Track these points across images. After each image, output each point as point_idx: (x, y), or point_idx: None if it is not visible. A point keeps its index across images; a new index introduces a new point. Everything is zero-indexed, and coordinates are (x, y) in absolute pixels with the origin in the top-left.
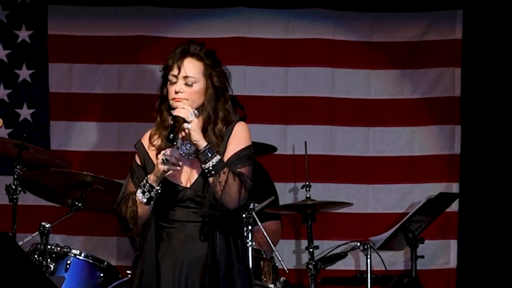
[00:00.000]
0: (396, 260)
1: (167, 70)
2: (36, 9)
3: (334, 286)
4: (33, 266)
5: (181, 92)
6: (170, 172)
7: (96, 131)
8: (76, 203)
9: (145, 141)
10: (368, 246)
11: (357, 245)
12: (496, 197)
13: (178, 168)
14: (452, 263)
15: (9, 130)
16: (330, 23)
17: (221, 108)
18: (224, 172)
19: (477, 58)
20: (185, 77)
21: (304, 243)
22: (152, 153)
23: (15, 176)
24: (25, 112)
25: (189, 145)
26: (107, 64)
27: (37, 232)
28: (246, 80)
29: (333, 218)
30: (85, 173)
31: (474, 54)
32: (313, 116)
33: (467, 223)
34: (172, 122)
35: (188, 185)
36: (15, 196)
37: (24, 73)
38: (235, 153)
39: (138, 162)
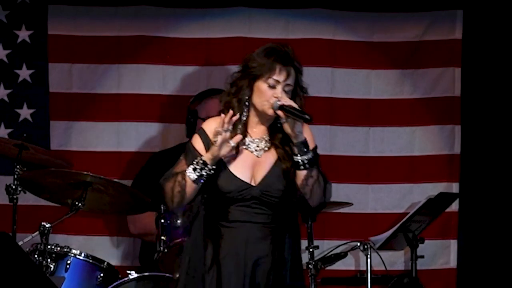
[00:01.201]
0: (396, 260)
1: (264, 71)
2: (36, 9)
3: (334, 286)
4: (33, 266)
5: (280, 99)
6: (226, 153)
7: (96, 131)
8: (76, 203)
9: (209, 130)
10: (368, 246)
11: (357, 245)
12: (496, 197)
13: (231, 144)
14: (452, 263)
15: (9, 130)
16: (330, 23)
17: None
18: (315, 168)
19: (477, 58)
20: (287, 85)
21: (304, 243)
22: None
23: (15, 176)
24: (25, 112)
25: (259, 141)
26: (107, 64)
27: (37, 232)
28: None
29: (333, 218)
30: (85, 173)
31: (474, 54)
32: (313, 116)
33: (467, 223)
34: (283, 112)
35: (253, 184)
36: (15, 196)
37: (24, 73)
38: None
39: (198, 147)
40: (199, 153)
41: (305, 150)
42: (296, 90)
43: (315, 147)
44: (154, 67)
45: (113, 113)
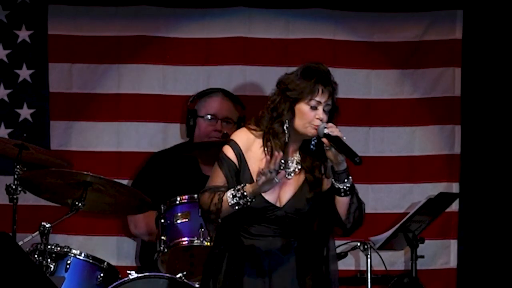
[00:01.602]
0: (396, 260)
1: (304, 93)
2: (36, 9)
3: None
4: (33, 266)
5: (322, 120)
6: (269, 189)
7: (96, 131)
8: (76, 203)
9: (240, 142)
10: (368, 246)
11: (357, 245)
12: (496, 197)
13: (276, 181)
14: (452, 263)
15: (9, 130)
16: (330, 23)
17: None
18: (356, 194)
19: (477, 58)
20: (327, 105)
21: None
22: (250, 160)
23: (15, 176)
24: (25, 112)
25: (291, 162)
26: (107, 64)
27: (37, 232)
28: (246, 80)
29: None
30: (85, 173)
31: (474, 54)
32: None
33: (467, 223)
34: (328, 140)
35: (279, 205)
36: (15, 196)
37: (24, 73)
38: None
39: (231, 156)
40: (234, 163)
41: (346, 178)
42: (333, 109)
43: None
44: (154, 67)
45: (113, 113)
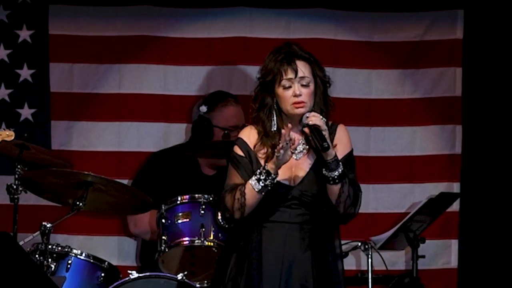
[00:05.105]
0: (397, 260)
1: (275, 76)
2: (37, 8)
3: None
4: (34, 266)
5: (300, 95)
6: (286, 160)
7: (97, 131)
8: (77, 203)
9: (247, 139)
10: (369, 246)
11: (358, 244)
12: (497, 197)
13: (289, 152)
14: (453, 263)
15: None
16: (331, 23)
17: (328, 101)
18: (346, 182)
19: (478, 58)
20: (301, 79)
21: None
22: (260, 152)
23: (16, 176)
24: (26, 112)
25: (301, 145)
26: (108, 64)
27: (38, 232)
28: (247, 80)
29: None
30: (86, 173)
31: (475, 54)
32: None
33: (468, 223)
34: (309, 130)
35: (293, 184)
36: (16, 196)
37: (25, 73)
38: (343, 157)
39: (241, 154)
40: (246, 160)
41: (334, 167)
42: (316, 82)
43: (351, 151)
44: (155, 67)
45: (114, 113)
